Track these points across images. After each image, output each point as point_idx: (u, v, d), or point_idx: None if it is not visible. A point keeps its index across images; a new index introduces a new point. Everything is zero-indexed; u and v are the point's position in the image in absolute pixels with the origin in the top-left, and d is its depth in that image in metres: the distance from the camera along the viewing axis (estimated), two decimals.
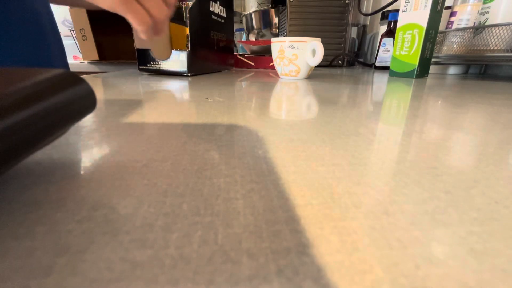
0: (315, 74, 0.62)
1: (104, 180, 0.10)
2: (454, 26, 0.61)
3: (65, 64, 0.52)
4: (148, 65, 0.50)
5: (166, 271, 0.06)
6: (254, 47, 0.82)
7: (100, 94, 0.29)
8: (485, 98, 0.30)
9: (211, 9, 0.53)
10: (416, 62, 0.52)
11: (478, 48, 0.53)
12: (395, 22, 0.74)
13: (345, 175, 0.10)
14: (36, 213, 0.08)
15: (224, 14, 0.60)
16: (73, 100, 0.09)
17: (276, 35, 0.99)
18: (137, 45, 0.48)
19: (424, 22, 0.49)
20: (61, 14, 1.46)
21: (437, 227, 0.07)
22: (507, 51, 0.49)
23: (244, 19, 1.07)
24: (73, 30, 1.20)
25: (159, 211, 0.08)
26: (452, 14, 0.62)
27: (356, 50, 1.02)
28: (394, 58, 0.56)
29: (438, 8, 0.50)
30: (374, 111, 0.22)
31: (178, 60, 0.47)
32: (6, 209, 0.08)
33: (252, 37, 1.07)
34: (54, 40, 0.47)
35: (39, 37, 0.42)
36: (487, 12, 0.55)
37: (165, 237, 0.07)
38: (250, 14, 1.02)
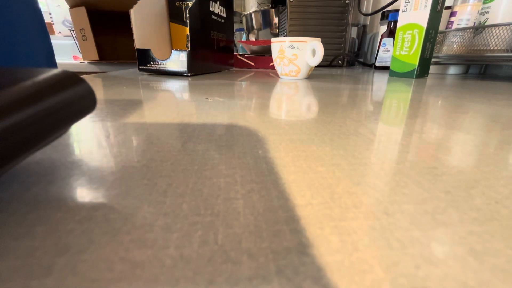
0: (315, 74, 0.62)
1: (104, 180, 0.10)
2: (454, 26, 0.61)
3: (53, 64, 0.51)
4: (148, 65, 0.50)
5: (166, 271, 0.06)
6: (254, 47, 0.82)
7: (100, 94, 0.29)
8: (485, 98, 0.30)
9: (211, 9, 0.53)
10: (416, 62, 0.52)
11: (478, 48, 0.53)
12: (395, 22, 0.74)
13: (345, 175, 0.10)
14: (36, 213, 0.08)
15: (224, 14, 0.60)
16: (73, 100, 0.09)
17: (276, 35, 0.99)
18: (137, 45, 0.48)
19: (424, 22, 0.49)
20: (61, 14, 1.46)
21: (437, 227, 0.07)
22: (507, 51, 0.49)
23: (244, 19, 1.07)
24: (73, 30, 1.20)
25: (159, 211, 0.08)
26: (452, 14, 0.62)
27: (356, 50, 1.02)
28: (394, 58, 0.56)
29: (438, 8, 0.50)
30: (374, 111, 0.22)
31: (178, 60, 0.47)
32: (6, 209, 0.08)
33: (252, 37, 1.07)
34: (39, 38, 0.45)
35: (19, 34, 0.40)
36: (487, 12, 0.55)
37: (165, 237, 0.07)
38: (250, 14, 1.02)
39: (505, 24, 0.48)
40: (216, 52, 0.59)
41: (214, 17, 0.55)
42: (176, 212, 0.08)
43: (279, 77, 0.53)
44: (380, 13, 0.85)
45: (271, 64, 0.77)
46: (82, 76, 0.11)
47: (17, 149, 0.07)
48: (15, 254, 0.06)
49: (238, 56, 0.81)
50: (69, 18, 1.15)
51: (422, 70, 0.54)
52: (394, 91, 0.35)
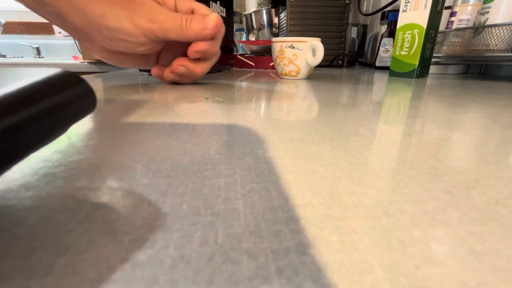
0: (315, 74, 0.62)
1: (104, 180, 0.10)
2: (454, 26, 0.61)
3: None
4: None
5: (166, 271, 0.06)
6: (254, 47, 0.82)
7: (100, 94, 0.29)
8: (485, 98, 0.30)
9: (211, 9, 0.53)
10: (416, 62, 0.52)
11: (478, 48, 0.53)
12: (395, 22, 0.74)
13: (345, 175, 0.10)
14: (36, 213, 0.08)
15: (224, 14, 0.60)
16: (73, 100, 0.09)
17: (276, 35, 0.99)
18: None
19: (424, 22, 0.49)
20: None
21: (437, 227, 0.07)
22: (507, 51, 0.49)
23: (244, 19, 1.07)
24: None
25: (159, 211, 0.08)
26: (452, 14, 0.62)
27: (356, 50, 1.02)
28: (394, 58, 0.56)
29: (438, 8, 0.50)
30: (374, 111, 0.22)
31: None
32: (6, 209, 0.08)
33: (252, 37, 1.07)
34: None
35: None
36: (487, 12, 0.55)
37: (165, 237, 0.07)
38: (250, 14, 1.02)
39: (505, 24, 0.48)
40: None
41: None
42: (176, 212, 0.08)
43: (279, 77, 0.53)
44: (380, 13, 0.85)
45: (271, 64, 0.77)
46: (82, 76, 0.11)
47: (17, 149, 0.07)
48: (15, 254, 0.06)
49: (238, 56, 0.81)
50: None
51: (422, 70, 0.54)
52: (394, 91, 0.35)
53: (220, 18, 0.33)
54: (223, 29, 0.33)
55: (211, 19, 0.32)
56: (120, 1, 0.27)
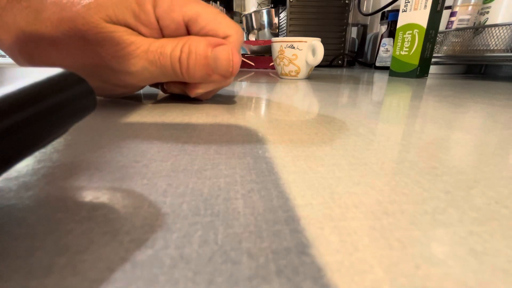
0: (315, 74, 0.62)
1: (104, 180, 0.10)
2: (454, 26, 0.61)
3: None
4: None
5: (166, 271, 0.06)
6: (254, 47, 0.82)
7: None
8: (485, 98, 0.30)
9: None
10: (416, 62, 0.52)
11: (478, 48, 0.53)
12: (395, 22, 0.74)
13: (345, 175, 0.10)
14: (36, 213, 0.08)
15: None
16: (73, 100, 0.09)
17: (276, 35, 0.99)
18: None
19: (424, 22, 0.49)
20: None
21: (437, 227, 0.07)
22: (507, 51, 0.49)
23: (244, 19, 1.07)
24: None
25: (159, 211, 0.08)
26: (452, 14, 0.62)
27: (356, 50, 1.02)
28: (394, 58, 0.56)
29: (438, 8, 0.50)
30: (374, 111, 0.22)
31: None
32: (6, 209, 0.08)
33: (252, 37, 1.07)
34: None
35: None
36: (487, 12, 0.55)
37: (165, 237, 0.07)
38: (250, 14, 1.02)
39: (505, 24, 0.48)
40: None
41: None
42: (176, 212, 0.08)
43: (279, 77, 0.53)
44: (380, 13, 0.85)
45: (271, 64, 0.77)
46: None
47: (17, 149, 0.07)
48: (15, 254, 0.06)
49: None
50: None
51: (422, 70, 0.54)
52: (394, 91, 0.35)
53: (239, 50, 0.21)
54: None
55: (223, 56, 0.19)
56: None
